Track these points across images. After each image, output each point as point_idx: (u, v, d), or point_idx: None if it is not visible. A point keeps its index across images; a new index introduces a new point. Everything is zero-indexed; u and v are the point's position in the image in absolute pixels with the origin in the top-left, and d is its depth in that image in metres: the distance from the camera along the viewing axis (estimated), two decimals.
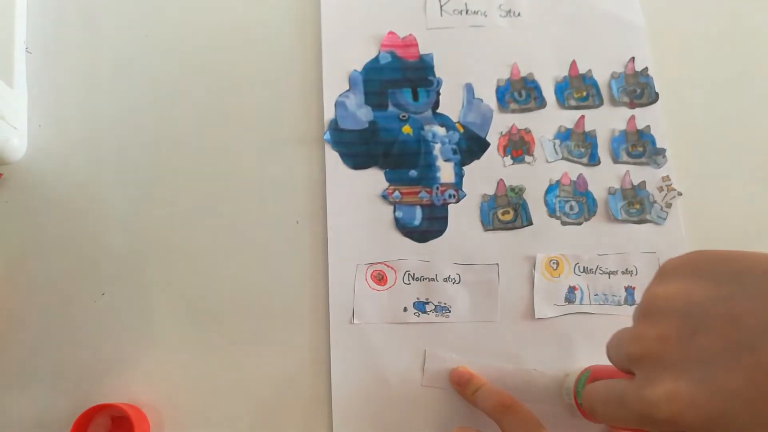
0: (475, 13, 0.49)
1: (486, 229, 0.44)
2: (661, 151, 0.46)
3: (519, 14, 0.49)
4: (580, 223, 0.44)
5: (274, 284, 0.43)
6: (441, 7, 0.49)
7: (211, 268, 0.43)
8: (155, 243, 0.44)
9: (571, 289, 0.43)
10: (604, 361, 0.40)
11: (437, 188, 0.45)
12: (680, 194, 0.45)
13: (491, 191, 0.45)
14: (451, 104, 0.47)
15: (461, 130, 0.46)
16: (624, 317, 0.42)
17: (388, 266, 0.43)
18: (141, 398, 0.41)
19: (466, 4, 0.49)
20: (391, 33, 0.48)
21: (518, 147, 0.46)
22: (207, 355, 0.42)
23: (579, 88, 0.47)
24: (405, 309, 0.42)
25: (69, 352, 0.42)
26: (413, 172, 0.45)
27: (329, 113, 0.46)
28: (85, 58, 0.48)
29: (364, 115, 0.46)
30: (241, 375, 0.41)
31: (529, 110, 0.47)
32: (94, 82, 0.47)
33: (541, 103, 0.47)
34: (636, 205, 0.45)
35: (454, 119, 0.46)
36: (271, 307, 0.42)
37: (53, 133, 0.46)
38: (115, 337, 0.42)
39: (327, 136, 0.45)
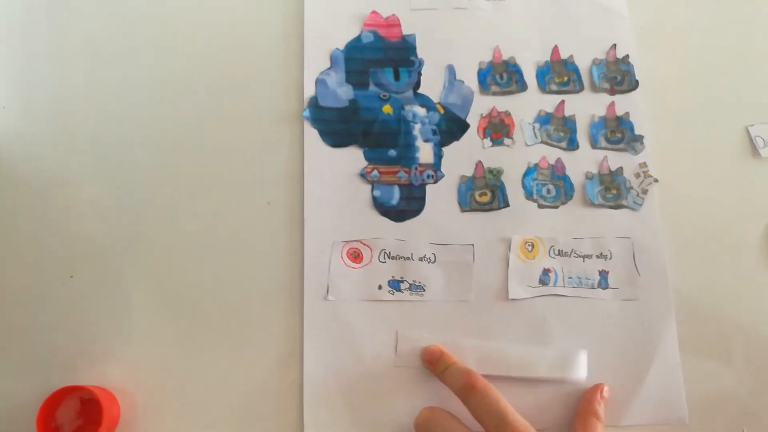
0: None
1: (463, 210, 0.44)
2: (639, 138, 0.46)
3: None
4: (556, 207, 0.44)
5: (248, 263, 0.43)
6: None
7: (184, 250, 0.43)
8: (127, 227, 0.43)
9: (546, 272, 0.43)
10: (574, 341, 0.41)
11: (416, 168, 0.45)
12: (656, 181, 0.45)
13: (469, 172, 0.45)
14: (432, 85, 0.46)
15: (441, 111, 0.46)
16: (597, 300, 0.43)
17: (364, 244, 0.43)
18: (112, 382, 0.40)
19: None
20: (374, 12, 0.48)
21: (498, 129, 0.46)
22: (180, 338, 0.41)
23: (560, 73, 0.47)
24: (380, 287, 0.42)
25: (37, 336, 0.41)
26: (392, 152, 0.45)
27: (309, 90, 0.46)
28: (53, 35, 0.47)
29: (344, 93, 0.46)
30: (214, 357, 0.41)
31: (510, 93, 0.47)
32: (62, 60, 0.46)
33: (522, 87, 0.47)
34: (613, 190, 0.45)
35: (435, 100, 0.46)
36: (245, 286, 0.42)
37: (20, 115, 0.45)
38: (85, 321, 0.41)
39: (306, 113, 0.45)
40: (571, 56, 0.48)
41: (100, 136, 0.45)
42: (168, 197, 0.44)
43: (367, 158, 0.45)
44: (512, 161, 0.45)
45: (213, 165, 0.44)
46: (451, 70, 0.47)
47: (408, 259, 0.43)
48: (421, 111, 0.46)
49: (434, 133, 0.45)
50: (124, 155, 0.45)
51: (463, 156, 0.45)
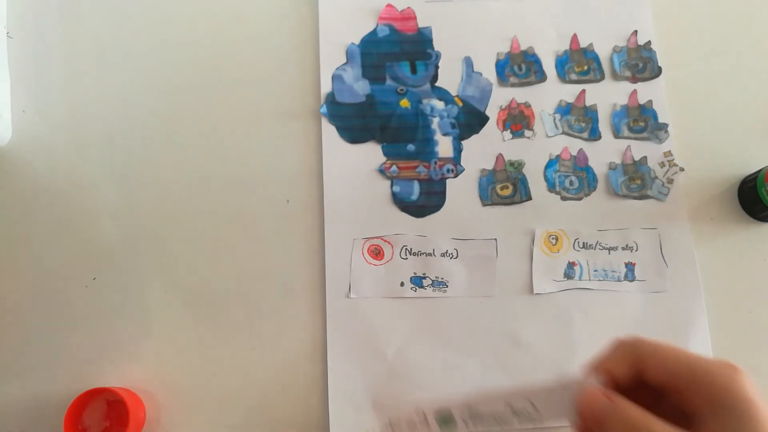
0: None
1: (484, 204, 0.43)
2: (663, 126, 0.45)
3: None
4: (580, 199, 0.44)
5: (268, 261, 0.42)
6: None
7: (203, 249, 0.43)
8: (146, 227, 0.43)
9: (571, 265, 0.42)
10: (601, 335, 0.40)
11: (435, 163, 0.44)
12: (682, 170, 0.44)
13: (490, 166, 0.44)
14: (449, 78, 0.46)
15: (460, 104, 0.45)
16: (623, 293, 0.42)
17: (385, 241, 0.42)
18: (137, 382, 0.40)
19: None
20: (389, 6, 0.47)
21: (518, 121, 0.45)
22: (202, 337, 0.41)
23: (580, 62, 0.47)
24: (402, 284, 0.42)
25: (62, 337, 0.41)
26: (411, 147, 0.44)
27: (326, 86, 0.45)
28: (68, 42, 0.47)
29: (361, 88, 0.45)
30: (236, 356, 0.41)
31: (529, 84, 0.46)
32: (77, 66, 0.47)
33: (542, 77, 0.46)
34: (637, 180, 0.44)
35: (453, 93, 0.46)
36: (265, 285, 0.42)
37: (38, 119, 0.45)
38: (108, 323, 0.41)
39: (324, 109, 0.44)
40: (591, 44, 0.47)
41: (118, 138, 0.45)
42: (186, 197, 0.44)
43: (385, 153, 0.44)
44: (533, 153, 0.44)
45: (230, 164, 0.44)
46: (468, 62, 0.46)
47: (430, 255, 0.42)
48: (439, 104, 0.45)
49: (453, 126, 0.45)
50: (141, 156, 0.45)
51: (483, 149, 0.44)
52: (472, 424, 0.31)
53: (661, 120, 0.45)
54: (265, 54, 0.46)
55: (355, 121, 0.44)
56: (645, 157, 0.44)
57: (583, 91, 0.46)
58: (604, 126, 0.45)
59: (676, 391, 0.28)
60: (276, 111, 0.45)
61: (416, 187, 0.43)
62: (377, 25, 0.47)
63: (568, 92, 0.46)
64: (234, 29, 0.47)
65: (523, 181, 0.44)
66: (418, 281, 0.42)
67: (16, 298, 0.42)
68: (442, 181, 0.44)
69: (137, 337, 0.41)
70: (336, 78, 0.45)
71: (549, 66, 0.46)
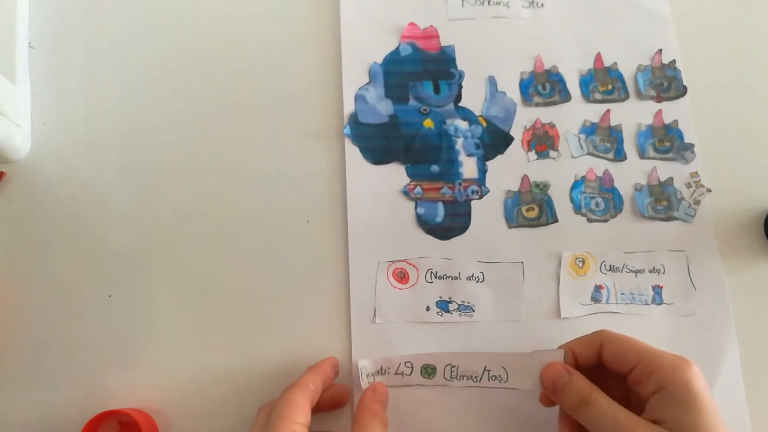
0: (497, 3, 0.47)
1: (510, 226, 0.43)
2: (690, 147, 0.44)
3: (542, 5, 0.47)
4: (606, 220, 0.43)
5: (288, 284, 0.42)
6: None
7: (220, 269, 0.42)
8: (162, 243, 0.43)
9: (597, 288, 0.42)
10: None
11: (460, 184, 0.43)
12: (709, 191, 0.43)
13: (515, 187, 0.44)
14: (473, 97, 0.45)
15: (484, 124, 0.45)
16: (651, 316, 0.41)
17: (410, 264, 0.42)
18: (149, 402, 0.40)
19: None
20: (411, 24, 0.47)
21: (542, 142, 0.45)
22: (216, 358, 0.40)
23: (604, 81, 0.46)
24: (428, 308, 0.41)
25: (76, 354, 0.41)
26: (435, 168, 0.44)
27: (349, 107, 0.45)
28: (89, 53, 0.47)
29: (384, 108, 0.45)
30: (254, 380, 0.40)
31: (554, 104, 0.45)
32: (98, 78, 0.46)
33: (566, 97, 0.46)
34: (663, 201, 0.43)
35: (477, 113, 0.45)
36: (287, 309, 0.41)
37: (57, 131, 0.45)
38: (122, 340, 0.41)
39: (347, 130, 0.44)
40: (615, 63, 0.46)
41: (137, 152, 0.44)
42: (205, 215, 0.43)
43: (409, 175, 0.44)
44: (558, 174, 0.44)
45: (251, 183, 0.44)
46: (492, 82, 0.46)
47: (456, 278, 0.42)
48: (463, 125, 0.45)
49: (477, 147, 0.44)
50: (159, 171, 0.44)
51: (508, 170, 0.44)
52: (450, 376, 0.39)
53: (687, 140, 0.45)
54: (287, 74, 0.46)
55: (378, 141, 0.44)
56: (671, 178, 0.44)
57: (608, 110, 0.45)
58: (629, 146, 0.45)
59: (630, 376, 0.33)
60: (298, 131, 0.44)
61: (441, 209, 0.43)
62: (399, 44, 0.46)
63: (593, 112, 0.45)
64: (256, 50, 0.46)
65: (549, 202, 0.43)
66: (444, 305, 0.41)
67: (31, 313, 0.41)
68: (467, 203, 0.43)
69: (150, 355, 0.41)
70: (359, 98, 0.45)
71: (573, 85, 0.46)
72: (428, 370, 0.39)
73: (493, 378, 0.38)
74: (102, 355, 0.41)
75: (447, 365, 0.39)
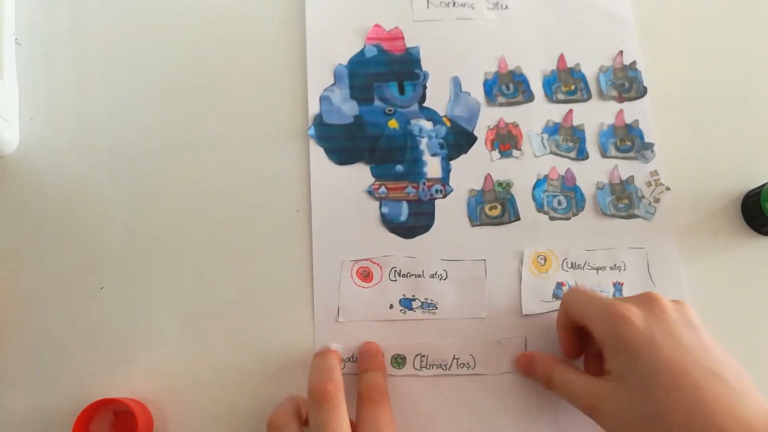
0: (462, 5, 0.48)
1: (473, 225, 0.43)
2: (650, 146, 0.45)
3: (506, 7, 0.48)
4: (568, 218, 0.44)
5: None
6: None
7: (211, 259, 0.42)
8: (152, 237, 0.43)
9: (559, 285, 0.42)
10: None
11: (424, 183, 0.44)
12: (668, 189, 0.44)
13: (479, 186, 0.44)
14: (438, 98, 0.46)
15: (448, 124, 0.45)
16: None
17: (374, 263, 0.42)
18: (143, 392, 0.40)
19: None
20: (376, 26, 0.47)
21: (506, 141, 0.45)
22: (205, 348, 0.41)
23: (567, 82, 0.47)
24: (391, 306, 0.41)
25: (69, 347, 0.41)
26: (399, 167, 0.44)
27: (314, 108, 0.45)
28: (77, 49, 0.47)
29: (349, 109, 0.45)
30: (246, 366, 0.41)
31: (517, 104, 0.46)
32: (86, 73, 0.46)
33: (529, 97, 0.46)
34: (624, 200, 0.44)
35: (441, 113, 0.46)
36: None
37: (46, 126, 0.45)
38: (115, 332, 0.41)
39: (311, 131, 0.44)
40: (578, 64, 0.47)
41: (125, 147, 0.45)
42: (193, 207, 0.43)
43: (374, 175, 0.44)
44: (521, 173, 0.44)
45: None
46: (456, 82, 0.46)
47: (419, 276, 0.42)
48: (427, 125, 0.45)
49: (441, 146, 0.45)
50: (148, 165, 0.44)
51: (472, 169, 0.44)
52: (419, 366, 0.40)
53: (647, 139, 0.45)
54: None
55: (343, 142, 0.44)
56: (632, 177, 0.45)
57: (571, 110, 0.46)
58: (591, 145, 0.45)
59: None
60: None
61: (405, 208, 0.43)
62: (365, 46, 0.47)
63: (556, 112, 0.46)
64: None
65: (512, 201, 0.44)
66: (407, 303, 0.42)
67: (24, 308, 0.41)
68: (431, 202, 0.44)
69: (144, 346, 0.41)
70: (324, 99, 0.45)
71: (537, 86, 0.47)
72: (398, 360, 0.40)
73: (462, 366, 0.40)
74: (95, 347, 0.41)
75: (417, 355, 0.40)
